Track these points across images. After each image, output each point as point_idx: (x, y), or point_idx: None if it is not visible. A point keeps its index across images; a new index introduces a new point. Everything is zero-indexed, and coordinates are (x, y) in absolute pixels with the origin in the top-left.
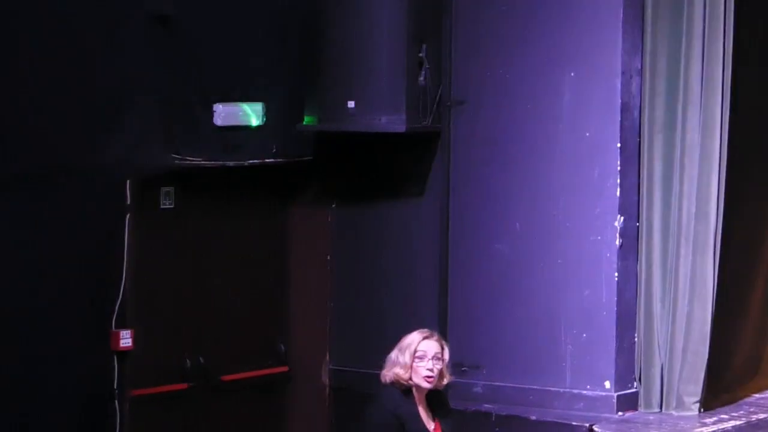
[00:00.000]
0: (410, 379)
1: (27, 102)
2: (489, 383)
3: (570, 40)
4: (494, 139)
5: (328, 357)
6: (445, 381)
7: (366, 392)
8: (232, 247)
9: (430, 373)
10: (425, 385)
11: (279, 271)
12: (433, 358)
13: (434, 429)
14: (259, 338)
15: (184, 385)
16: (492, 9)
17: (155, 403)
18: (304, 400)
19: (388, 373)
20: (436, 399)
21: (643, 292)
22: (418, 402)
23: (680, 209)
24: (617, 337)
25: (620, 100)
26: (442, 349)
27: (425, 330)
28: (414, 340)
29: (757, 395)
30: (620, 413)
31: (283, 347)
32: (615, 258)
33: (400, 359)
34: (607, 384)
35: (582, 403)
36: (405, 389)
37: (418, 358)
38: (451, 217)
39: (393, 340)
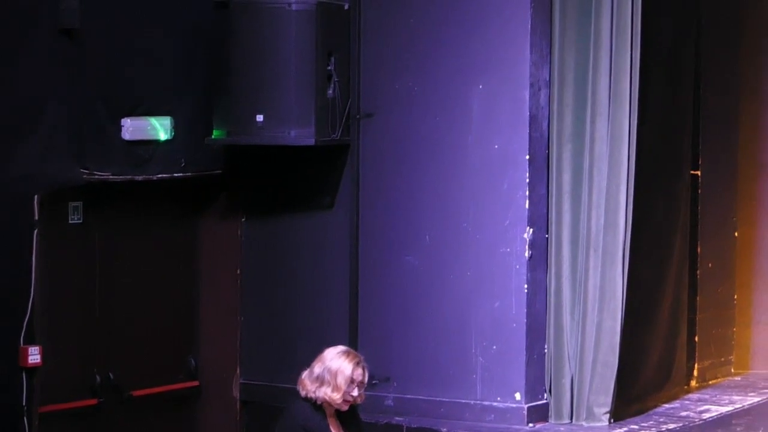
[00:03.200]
0: (321, 393)
1: None
2: (400, 396)
3: (478, 53)
4: (403, 152)
5: (238, 371)
6: (360, 400)
7: (276, 406)
8: (141, 261)
9: (352, 399)
10: (344, 408)
11: (189, 285)
12: (359, 387)
13: None
14: (169, 353)
15: (93, 401)
16: (400, 22)
17: (65, 419)
18: (215, 414)
19: (314, 390)
20: (347, 414)
21: (553, 303)
22: (328, 416)
23: (589, 220)
24: (527, 348)
25: (528, 112)
26: (366, 375)
27: (351, 351)
28: (347, 366)
29: (666, 405)
30: (531, 425)
31: (193, 361)
32: (524, 270)
33: (333, 381)
34: (518, 396)
35: (493, 415)
36: (316, 406)
37: (351, 384)
38: (361, 229)
39: (304, 353)
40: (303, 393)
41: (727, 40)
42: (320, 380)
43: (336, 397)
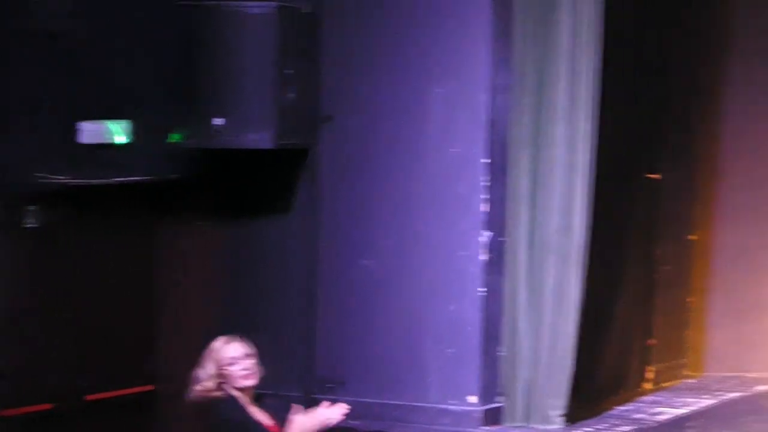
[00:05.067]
0: (223, 387)
1: None
2: (355, 399)
3: (438, 56)
4: (362, 155)
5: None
6: (261, 373)
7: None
8: (99, 266)
9: (247, 372)
10: (249, 383)
11: (148, 289)
12: (244, 358)
13: (271, 423)
14: (127, 357)
15: (48, 405)
16: (360, 25)
17: (19, 424)
18: (173, 419)
19: (195, 392)
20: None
21: (509, 306)
22: (248, 405)
23: (546, 224)
24: (482, 351)
25: (488, 116)
26: (247, 345)
27: (223, 337)
28: (216, 348)
29: (621, 407)
30: (485, 427)
31: (151, 365)
32: (481, 273)
33: (203, 374)
34: (473, 399)
35: (447, 418)
36: (231, 399)
37: (228, 365)
38: (320, 233)
39: (262, 356)
40: (195, 398)
41: (686, 44)
42: (201, 378)
43: (212, 386)
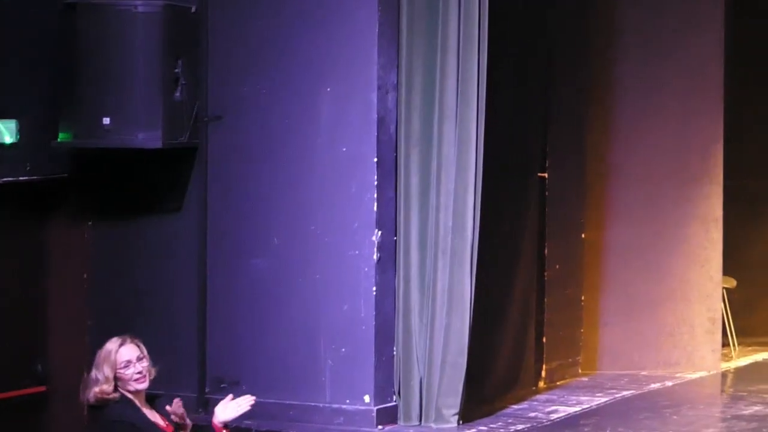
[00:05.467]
0: (118, 389)
1: None
2: None
3: (326, 56)
4: (252, 155)
5: (86, 375)
6: (152, 375)
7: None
8: None
9: (139, 375)
10: (141, 386)
11: (36, 289)
12: (136, 361)
13: (164, 423)
14: (15, 358)
15: None
16: (248, 24)
17: None
18: (63, 419)
19: (91, 394)
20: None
21: (402, 305)
22: (141, 406)
23: (437, 223)
24: (376, 351)
25: (376, 115)
26: (139, 347)
27: (116, 338)
28: (111, 351)
29: (515, 406)
30: (380, 427)
31: (40, 366)
32: (373, 272)
33: (100, 376)
34: (367, 398)
35: (342, 418)
36: (124, 400)
37: (122, 368)
38: (210, 233)
39: (153, 357)
40: (89, 401)
41: (575, 44)
42: (93, 381)
43: (108, 389)
